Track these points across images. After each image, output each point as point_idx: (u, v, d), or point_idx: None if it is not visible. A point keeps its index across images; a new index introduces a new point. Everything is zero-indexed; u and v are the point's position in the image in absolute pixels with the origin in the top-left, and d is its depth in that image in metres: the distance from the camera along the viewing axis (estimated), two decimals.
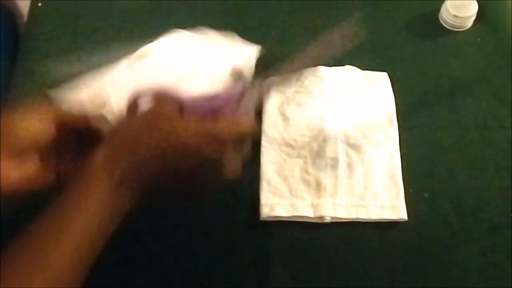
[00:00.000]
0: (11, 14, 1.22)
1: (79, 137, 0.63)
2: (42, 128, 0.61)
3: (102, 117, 0.65)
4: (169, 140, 0.54)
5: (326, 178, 0.83)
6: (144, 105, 0.58)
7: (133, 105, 0.59)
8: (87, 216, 0.52)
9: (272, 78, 0.92)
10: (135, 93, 0.59)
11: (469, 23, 1.00)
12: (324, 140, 0.85)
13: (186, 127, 0.56)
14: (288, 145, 0.86)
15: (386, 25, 1.02)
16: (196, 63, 0.90)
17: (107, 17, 1.04)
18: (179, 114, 0.57)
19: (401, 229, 0.81)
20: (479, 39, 1.00)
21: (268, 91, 0.91)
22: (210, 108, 0.59)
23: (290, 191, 0.82)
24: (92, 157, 0.53)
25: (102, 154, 0.53)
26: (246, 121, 0.59)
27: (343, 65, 0.94)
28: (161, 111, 0.57)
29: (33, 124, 0.61)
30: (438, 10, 1.01)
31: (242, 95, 0.61)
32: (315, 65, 0.67)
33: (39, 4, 1.05)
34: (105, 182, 0.52)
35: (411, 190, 0.83)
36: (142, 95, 0.59)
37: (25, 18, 1.08)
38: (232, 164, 0.58)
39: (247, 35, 1.01)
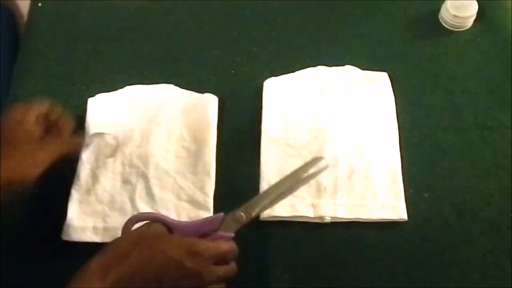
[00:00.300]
0: (11, 14, 1.22)
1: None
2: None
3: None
4: (156, 253, 0.62)
5: (326, 178, 0.83)
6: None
7: (128, 225, 0.68)
8: None
9: (272, 78, 0.93)
10: (132, 218, 0.69)
11: (469, 23, 1.00)
12: (324, 140, 0.85)
13: (172, 243, 0.64)
14: (288, 145, 0.86)
15: (386, 25, 1.02)
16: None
17: (107, 17, 1.04)
18: (166, 233, 0.66)
19: (401, 229, 0.81)
20: (479, 39, 1.00)
21: (268, 90, 0.91)
22: (195, 232, 0.68)
23: None
24: (87, 264, 0.60)
25: (97, 262, 0.61)
26: (225, 244, 0.66)
27: (343, 65, 0.94)
28: (152, 229, 0.66)
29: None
30: (438, 10, 1.01)
31: (221, 222, 0.70)
32: (284, 197, 0.73)
33: (39, 4, 1.05)
34: None
35: (411, 190, 0.83)
36: (137, 220, 0.69)
37: (25, 18, 1.08)
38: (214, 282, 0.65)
39: (247, 35, 1.01)
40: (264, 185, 0.82)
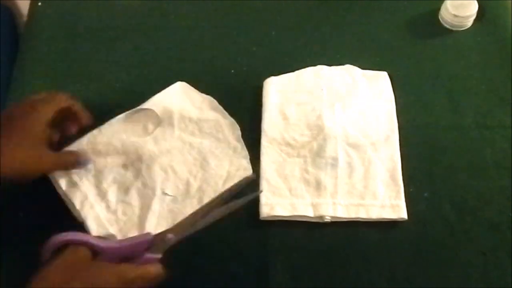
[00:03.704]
0: (11, 14, 1.22)
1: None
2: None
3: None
4: (87, 285, 0.63)
5: (326, 177, 0.83)
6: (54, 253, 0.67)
7: (48, 248, 0.68)
8: None
9: (272, 78, 0.92)
10: (52, 241, 0.68)
11: (469, 22, 1.00)
12: (324, 139, 0.85)
13: (104, 274, 0.64)
14: (288, 144, 0.86)
15: (386, 25, 1.02)
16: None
17: (107, 17, 1.04)
18: (92, 261, 0.66)
19: (401, 229, 0.81)
20: (479, 39, 1.00)
21: (268, 90, 0.91)
22: (122, 254, 0.68)
23: (290, 190, 0.82)
24: None
25: None
26: (154, 269, 0.67)
27: (343, 65, 0.94)
28: (78, 257, 0.65)
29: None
30: (438, 9, 1.01)
31: (150, 243, 0.70)
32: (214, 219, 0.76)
33: (39, 4, 1.05)
34: None
35: (411, 190, 0.83)
36: (59, 243, 0.68)
37: (25, 18, 1.07)
38: None
39: (247, 35, 1.01)
40: (264, 185, 0.82)
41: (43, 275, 0.63)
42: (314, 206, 0.81)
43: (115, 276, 0.64)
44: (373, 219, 0.80)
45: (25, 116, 0.76)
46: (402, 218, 0.80)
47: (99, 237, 0.74)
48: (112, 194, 0.82)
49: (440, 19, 1.01)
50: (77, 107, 0.82)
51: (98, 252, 0.67)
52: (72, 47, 1.00)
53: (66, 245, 0.67)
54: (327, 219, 0.80)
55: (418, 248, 0.79)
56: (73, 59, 0.98)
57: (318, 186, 0.82)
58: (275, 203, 0.81)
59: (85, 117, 0.83)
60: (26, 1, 1.08)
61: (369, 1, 1.05)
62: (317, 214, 0.80)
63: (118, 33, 1.01)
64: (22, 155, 0.74)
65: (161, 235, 0.71)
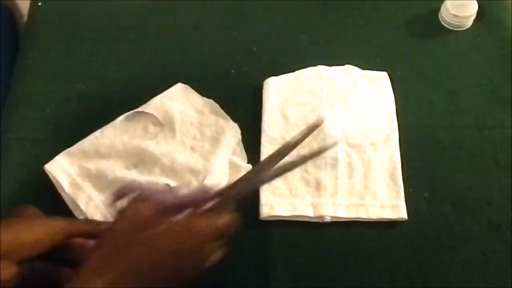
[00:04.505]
0: (11, 14, 1.22)
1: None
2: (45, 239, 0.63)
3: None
4: (152, 248, 0.59)
5: (326, 177, 0.83)
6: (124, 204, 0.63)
7: (114, 199, 0.64)
8: None
9: (272, 78, 0.93)
10: (117, 192, 0.64)
11: (469, 22, 1.00)
12: (324, 139, 0.85)
13: (166, 234, 0.60)
14: None
15: (386, 25, 1.02)
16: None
17: (107, 17, 1.04)
18: (156, 217, 0.61)
19: (401, 229, 0.81)
20: (479, 39, 1.00)
21: (268, 90, 0.91)
22: (189, 206, 0.63)
23: (290, 190, 0.82)
24: (85, 263, 0.58)
25: (93, 261, 0.58)
26: (224, 216, 0.62)
27: (343, 65, 0.94)
28: (141, 215, 0.61)
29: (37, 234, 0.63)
30: (438, 9, 1.01)
31: (211, 197, 0.64)
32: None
33: (39, 4, 1.05)
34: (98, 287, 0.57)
35: (411, 190, 0.83)
36: (123, 193, 0.64)
37: (25, 18, 1.08)
38: (213, 256, 0.62)
39: (247, 35, 1.01)
40: (264, 185, 0.82)
41: (107, 235, 0.60)
42: (314, 206, 0.81)
43: (180, 232, 0.60)
44: (373, 219, 0.80)
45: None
46: (402, 218, 0.80)
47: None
48: None
49: (440, 19, 1.01)
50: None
51: (161, 207, 0.62)
52: (72, 47, 1.00)
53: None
54: (327, 219, 0.80)
55: (418, 248, 0.79)
56: (73, 59, 0.98)
57: (318, 186, 0.82)
58: (275, 203, 0.81)
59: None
60: (26, 1, 1.08)
61: (369, 1, 1.05)
62: (317, 214, 0.80)
63: (118, 33, 1.02)
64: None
65: (231, 186, 0.65)
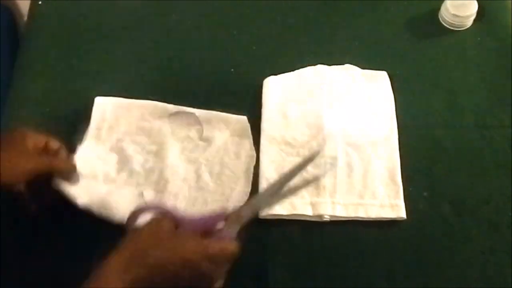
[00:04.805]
0: (11, 14, 1.22)
1: None
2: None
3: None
4: (173, 255, 0.64)
5: (325, 177, 0.83)
6: (145, 219, 0.69)
7: (135, 216, 0.70)
8: None
9: (272, 77, 0.93)
10: (138, 209, 0.71)
11: (469, 22, 1.00)
12: (324, 139, 0.85)
13: (188, 245, 0.65)
14: (288, 143, 0.86)
15: (386, 25, 1.02)
16: None
17: (107, 17, 1.04)
18: (176, 231, 0.67)
19: (400, 228, 0.80)
20: (479, 39, 1.00)
21: (268, 89, 0.91)
22: (201, 227, 0.69)
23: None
24: (106, 263, 0.62)
25: (115, 262, 0.62)
26: (233, 246, 0.67)
27: (343, 64, 0.94)
28: (163, 227, 0.66)
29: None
30: (438, 9, 1.01)
31: (226, 217, 0.70)
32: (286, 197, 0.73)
33: (39, 3, 1.05)
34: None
35: (410, 189, 0.83)
36: (144, 211, 0.70)
37: (25, 18, 1.08)
38: (217, 284, 0.67)
39: (247, 34, 1.01)
40: (263, 184, 0.82)
41: (130, 239, 0.65)
42: (313, 205, 0.81)
43: (197, 248, 0.65)
44: (372, 218, 0.80)
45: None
46: (401, 218, 0.80)
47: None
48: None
49: (440, 19, 1.01)
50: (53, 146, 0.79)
51: (178, 224, 0.68)
52: (72, 46, 1.00)
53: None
54: (326, 218, 0.80)
55: (417, 248, 0.79)
56: (73, 59, 0.98)
57: (317, 185, 0.82)
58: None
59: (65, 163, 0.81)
60: (26, 1, 1.08)
61: (369, 1, 1.05)
62: (316, 213, 0.80)
63: (118, 33, 1.02)
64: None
65: (237, 211, 0.70)
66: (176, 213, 0.70)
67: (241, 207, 0.72)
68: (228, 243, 0.67)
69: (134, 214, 0.70)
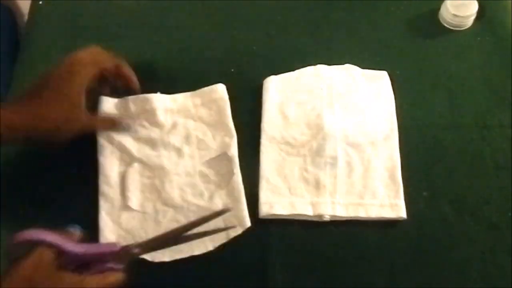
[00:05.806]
0: (12, 14, 1.22)
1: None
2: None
3: None
4: None
5: (325, 176, 0.83)
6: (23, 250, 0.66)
7: (13, 245, 0.67)
8: None
9: (272, 77, 0.93)
10: (17, 238, 0.67)
11: (469, 22, 1.00)
12: (324, 138, 0.85)
13: (62, 284, 0.64)
14: (288, 143, 0.86)
15: (386, 25, 1.02)
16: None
17: (107, 17, 1.04)
18: (56, 262, 0.65)
19: (400, 228, 0.81)
20: (479, 39, 1.00)
21: (268, 89, 0.91)
22: (86, 259, 0.68)
23: (289, 189, 0.82)
24: None
25: None
26: (112, 277, 0.67)
27: (343, 64, 0.94)
28: (40, 263, 0.65)
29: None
30: (438, 9, 1.01)
31: (114, 254, 0.70)
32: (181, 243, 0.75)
33: (40, 3, 1.05)
34: None
35: (411, 189, 0.83)
36: (23, 240, 0.67)
37: (26, 18, 1.08)
38: None
39: (247, 34, 1.01)
40: (263, 184, 0.82)
41: (6, 282, 0.63)
42: (313, 205, 0.81)
43: (73, 285, 0.65)
44: (372, 218, 0.80)
45: (62, 79, 0.77)
46: (401, 218, 0.80)
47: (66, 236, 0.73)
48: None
49: (440, 19, 1.01)
50: (124, 69, 0.83)
51: (62, 252, 0.67)
52: (72, 46, 0.98)
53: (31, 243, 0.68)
54: (326, 218, 0.80)
55: (417, 248, 0.79)
56: None
57: (318, 185, 0.82)
58: (274, 201, 0.81)
59: (133, 81, 0.85)
60: (27, 1, 1.08)
61: (369, 1, 1.05)
62: (316, 213, 0.80)
63: (118, 33, 1.02)
64: (55, 116, 0.75)
65: (128, 247, 0.71)
66: (60, 243, 0.67)
67: (133, 244, 0.72)
68: (106, 275, 0.67)
69: (15, 243, 0.67)
